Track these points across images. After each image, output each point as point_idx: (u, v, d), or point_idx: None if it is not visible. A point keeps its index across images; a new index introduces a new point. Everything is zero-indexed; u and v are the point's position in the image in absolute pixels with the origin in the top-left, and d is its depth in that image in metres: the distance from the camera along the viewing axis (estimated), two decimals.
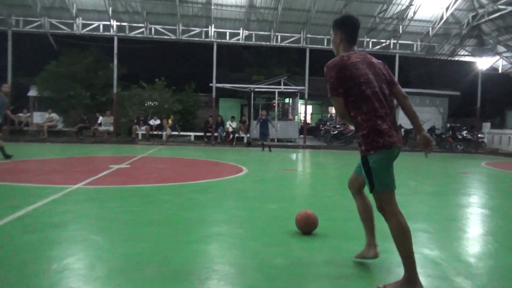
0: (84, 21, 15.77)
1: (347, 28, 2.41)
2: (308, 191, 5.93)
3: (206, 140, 16.28)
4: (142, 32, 15.91)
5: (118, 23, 15.86)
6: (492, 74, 17.72)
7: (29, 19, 15.53)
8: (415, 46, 17.30)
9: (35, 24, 15.55)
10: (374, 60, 2.41)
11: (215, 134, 16.53)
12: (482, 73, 16.94)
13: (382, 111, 2.21)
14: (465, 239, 3.43)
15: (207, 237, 3.26)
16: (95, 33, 15.88)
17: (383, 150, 2.17)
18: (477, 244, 3.28)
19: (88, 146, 13.86)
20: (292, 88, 17.90)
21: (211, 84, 16.54)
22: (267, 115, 14.00)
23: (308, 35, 16.54)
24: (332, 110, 26.58)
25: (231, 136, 16.20)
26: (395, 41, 16.96)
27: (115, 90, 15.98)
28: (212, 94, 16.65)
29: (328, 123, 18.36)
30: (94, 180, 5.86)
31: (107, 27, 15.78)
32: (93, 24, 15.77)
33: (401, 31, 16.42)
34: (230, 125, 16.85)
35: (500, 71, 18.04)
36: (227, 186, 5.91)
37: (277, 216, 3.99)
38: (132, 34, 15.96)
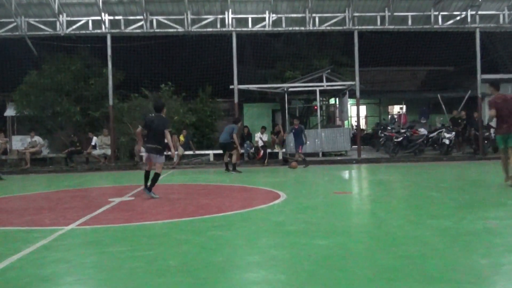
0: (69, 18, 16.44)
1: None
2: (368, 220, 5.92)
3: (229, 159, 16.27)
4: (141, 26, 16.47)
5: (111, 17, 16.50)
6: None
7: (2, 20, 16.33)
8: (501, 16, 16.97)
9: (9, 26, 16.34)
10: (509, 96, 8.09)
11: (241, 150, 16.53)
12: None
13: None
14: None
15: (240, 286, 3.27)
16: (83, 31, 16.55)
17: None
18: None
19: (81, 175, 14.20)
20: (338, 85, 18.10)
21: (232, 87, 16.99)
22: (300, 124, 14.82)
23: (355, 14, 16.64)
24: (394, 109, 26.82)
25: (262, 152, 16.42)
26: (473, 12, 16.62)
27: (111, 102, 16.51)
28: (233, 99, 17.09)
29: (389, 128, 18.48)
30: (91, 219, 6.01)
31: (97, 24, 16.43)
32: (80, 20, 16.45)
33: None
34: (260, 138, 17.08)
35: None
36: (260, 218, 5.95)
37: (330, 255, 3.99)
38: (129, 29, 16.55)
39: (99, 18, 16.18)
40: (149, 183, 8.07)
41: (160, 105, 8.45)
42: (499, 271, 3.44)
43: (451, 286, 2.72)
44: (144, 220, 5.90)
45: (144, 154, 9.33)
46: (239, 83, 16.90)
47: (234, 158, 13.19)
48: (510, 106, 8.18)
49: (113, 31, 16.44)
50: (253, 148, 16.88)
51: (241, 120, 14.76)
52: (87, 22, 16.42)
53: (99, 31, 16.48)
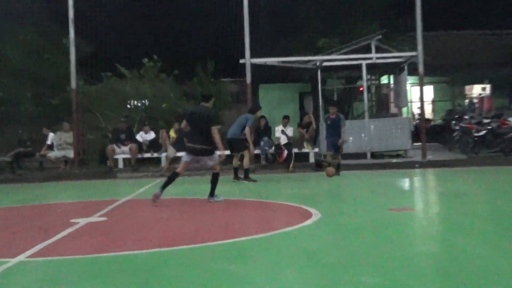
0: None
1: None
2: (438, 248, 5.90)
3: (239, 162, 16.35)
4: None
5: None
6: None
7: None
8: None
9: None
10: None
11: (256, 151, 16.78)
12: None
13: None
14: None
15: None
16: None
17: None
18: None
19: (33, 186, 14.38)
20: (394, 56, 18.12)
21: (243, 61, 17.09)
22: (338, 112, 14.32)
23: None
24: (474, 91, 26.91)
25: (286, 153, 16.54)
26: None
27: (74, 84, 16.82)
28: (245, 78, 17.18)
29: (467, 117, 18.59)
30: (48, 247, 6.01)
31: None
32: None
33: None
34: (283, 133, 17.26)
35: None
36: (285, 245, 5.97)
37: None
38: None
39: None
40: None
41: (209, 94, 9.93)
42: None
43: None
44: (122, 248, 5.91)
45: (185, 157, 9.77)
46: (253, 56, 17.14)
47: (245, 161, 13.23)
48: None
49: None
50: (273, 148, 17.01)
51: (260, 108, 14.56)
52: None
53: None
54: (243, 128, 12.94)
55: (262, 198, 10.17)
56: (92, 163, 17.24)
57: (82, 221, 7.73)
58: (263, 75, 20.63)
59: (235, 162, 13.43)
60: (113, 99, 18.20)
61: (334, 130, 14.13)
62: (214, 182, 9.49)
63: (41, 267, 5.17)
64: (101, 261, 5.34)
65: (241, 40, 17.13)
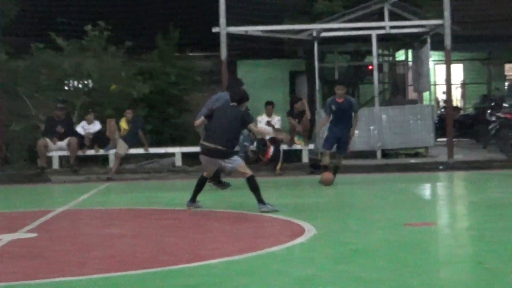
0: None
1: None
2: (470, 274, 5.93)
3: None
4: None
5: None
6: None
7: None
8: None
9: None
10: None
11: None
12: None
13: None
14: None
15: None
16: None
17: None
18: None
19: None
20: (412, 25, 18.47)
21: (216, 30, 17.34)
22: (347, 95, 14.10)
23: None
24: None
25: (271, 150, 16.90)
26: None
27: None
28: (220, 52, 17.43)
29: (506, 105, 18.92)
30: None
31: None
32: None
33: None
34: (270, 124, 17.47)
35: None
36: (269, 269, 5.99)
37: None
38: None
39: None
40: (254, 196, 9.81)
41: (242, 96, 10.44)
42: None
43: None
44: (57, 274, 5.88)
45: (201, 159, 10.52)
46: (230, 23, 17.46)
47: None
48: None
49: None
50: (256, 143, 17.37)
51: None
52: None
53: None
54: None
55: (241, 209, 10.30)
56: (18, 162, 17.36)
57: (5, 238, 7.77)
58: (244, 48, 21.07)
59: None
60: (47, 79, 18.39)
61: (341, 119, 13.57)
62: (253, 189, 9.94)
63: None
64: None
65: (215, 2, 17.44)
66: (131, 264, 6.26)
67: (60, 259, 6.59)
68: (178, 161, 17.52)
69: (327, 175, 13.66)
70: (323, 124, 14.62)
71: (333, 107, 13.45)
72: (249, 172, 10.00)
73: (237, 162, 10.03)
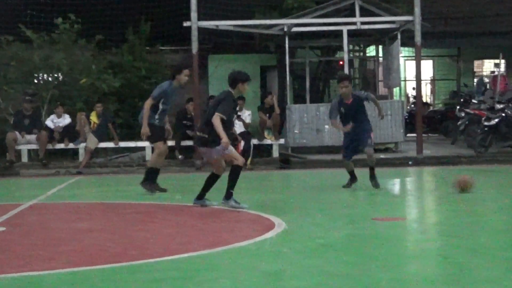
0: None
1: None
2: (439, 270, 6.03)
3: (181, 157, 17.54)
4: None
5: None
6: None
7: None
8: None
9: None
10: None
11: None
12: None
13: None
14: None
15: None
16: None
17: None
18: None
19: None
20: (383, 22, 18.70)
21: (187, 24, 17.51)
22: (356, 91, 13.53)
23: None
24: (485, 67, 27.91)
25: (241, 144, 17.17)
26: None
27: None
28: (191, 46, 17.62)
29: (475, 101, 19.33)
30: None
31: None
32: None
33: None
34: (240, 118, 17.69)
35: None
36: (239, 264, 6.10)
37: None
38: None
39: None
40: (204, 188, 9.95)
41: (236, 77, 10.09)
42: None
43: None
44: (26, 268, 5.91)
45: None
46: (202, 18, 17.63)
47: (153, 157, 12.77)
48: None
49: None
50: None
51: (183, 68, 12.66)
52: None
53: None
54: (156, 107, 12.09)
55: (212, 205, 10.35)
56: None
57: None
58: (216, 42, 21.47)
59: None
60: (15, 71, 18.50)
61: (354, 118, 11.84)
62: (232, 178, 9.80)
63: None
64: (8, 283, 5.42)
65: None
66: (100, 259, 6.29)
67: (28, 253, 6.60)
68: (148, 155, 17.48)
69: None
70: (337, 126, 12.75)
71: (343, 110, 11.82)
72: (240, 161, 9.91)
73: (220, 151, 9.70)
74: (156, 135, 12.05)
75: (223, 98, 10.16)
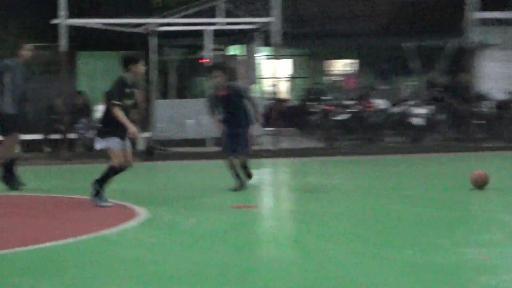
0: None
1: None
2: (290, 254, 6.32)
3: (49, 149, 17.68)
4: None
5: None
6: None
7: None
8: None
9: None
10: None
11: (72, 135, 17.90)
12: None
13: None
14: None
15: None
16: None
17: None
18: None
19: None
20: (244, 23, 19.18)
21: (56, 21, 17.73)
22: (231, 82, 11.06)
23: None
24: (338, 66, 28.22)
25: None
26: None
27: None
28: (57, 44, 17.83)
29: (327, 97, 20.16)
30: None
31: None
32: None
33: None
34: None
35: None
36: (100, 252, 6.31)
37: None
38: None
39: None
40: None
41: (127, 58, 9.71)
42: None
43: None
44: None
45: None
46: (71, 15, 17.86)
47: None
48: None
49: None
50: (94, 131, 17.29)
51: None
52: None
53: None
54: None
55: (76, 194, 10.38)
56: None
57: None
58: (83, 39, 21.33)
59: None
60: None
61: (233, 115, 11.00)
62: (105, 177, 9.37)
63: None
64: None
65: None
66: None
67: None
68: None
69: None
70: (218, 126, 11.54)
71: (215, 102, 11.06)
72: (116, 163, 9.38)
73: (101, 144, 9.39)
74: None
75: (114, 83, 9.87)
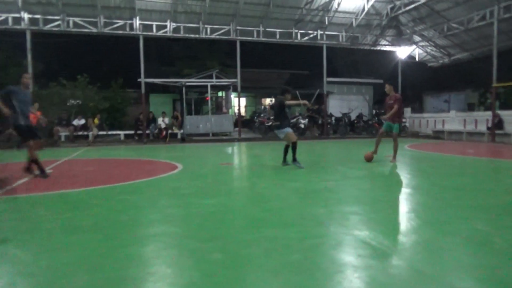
0: None
1: None
2: (244, 184, 9.23)
3: (137, 138, 27.39)
4: (58, 25, 26.71)
5: (30, 16, 26.25)
6: (410, 62, 34.08)
7: None
8: (340, 37, 33.16)
9: None
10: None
11: (147, 131, 27.85)
12: (402, 61, 33.43)
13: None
14: (391, 218, 6.71)
15: (141, 239, 5.29)
16: (3, 27, 26.08)
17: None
18: (402, 222, 6.41)
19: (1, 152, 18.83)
20: (225, 81, 29.71)
21: (139, 79, 28.05)
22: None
23: (238, 27, 30.16)
24: (266, 101, 41.77)
25: (164, 132, 27.90)
26: (321, 32, 32.66)
27: (30, 88, 21.75)
28: (141, 89, 28.21)
29: (262, 115, 30.41)
30: (12, 190, 8.72)
31: (17, 20, 26.08)
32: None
33: (327, 22, 31.79)
34: (163, 121, 28.52)
35: (417, 59, 34.81)
36: (161, 184, 8.98)
37: (214, 211, 6.66)
38: (47, 27, 26.58)
39: (18, 15, 26.19)
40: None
41: (285, 90, 12.78)
42: (331, 216, 6.41)
43: (300, 229, 5.42)
44: (60, 189, 8.51)
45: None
46: (146, 76, 27.74)
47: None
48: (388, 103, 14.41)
49: (32, 28, 26.38)
50: (157, 129, 28.43)
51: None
52: (6, 18, 26.14)
53: (18, 27, 26.09)
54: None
55: (150, 158, 14.56)
56: (42, 137, 17.79)
57: (35, 173, 10.84)
58: (152, 88, 32.54)
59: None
60: (57, 99, 27.35)
61: (280, 116, 13.67)
62: (288, 150, 12.48)
63: (6, 201, 7.75)
64: (47, 197, 7.90)
65: (139, 67, 27.73)
66: (96, 183, 9.17)
67: (63, 182, 9.44)
68: (122, 137, 26.87)
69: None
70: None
71: (267, 115, 15.46)
72: (295, 139, 12.45)
73: (284, 132, 12.45)
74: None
75: (278, 101, 12.59)
